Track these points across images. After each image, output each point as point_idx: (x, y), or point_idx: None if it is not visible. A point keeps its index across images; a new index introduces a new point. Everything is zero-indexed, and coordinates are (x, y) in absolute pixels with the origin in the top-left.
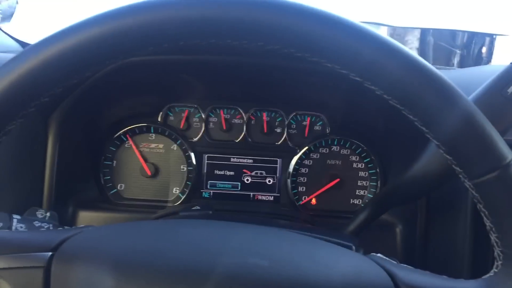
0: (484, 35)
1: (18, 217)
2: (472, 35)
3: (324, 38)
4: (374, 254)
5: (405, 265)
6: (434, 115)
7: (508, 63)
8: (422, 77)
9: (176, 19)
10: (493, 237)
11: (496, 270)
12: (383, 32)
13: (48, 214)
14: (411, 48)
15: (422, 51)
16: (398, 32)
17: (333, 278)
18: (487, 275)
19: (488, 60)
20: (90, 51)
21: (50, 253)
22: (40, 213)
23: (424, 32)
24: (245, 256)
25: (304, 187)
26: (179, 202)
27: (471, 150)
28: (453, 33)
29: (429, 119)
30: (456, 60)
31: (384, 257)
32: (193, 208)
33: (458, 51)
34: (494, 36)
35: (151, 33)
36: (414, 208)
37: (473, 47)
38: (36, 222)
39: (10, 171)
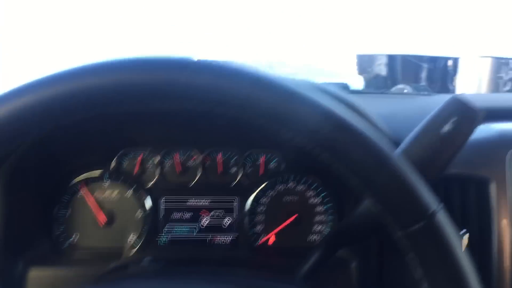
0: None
1: None
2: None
3: (246, 99)
4: None
5: None
6: (362, 170)
7: (443, 102)
8: (351, 136)
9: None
10: (423, 286)
11: None
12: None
13: None
14: (379, 64)
15: (391, 68)
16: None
17: None
18: None
19: (455, 72)
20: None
21: None
22: None
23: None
24: None
25: (262, 226)
26: (135, 249)
27: (399, 201)
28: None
29: (358, 172)
30: (424, 74)
31: None
32: (144, 259)
33: (425, 65)
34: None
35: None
36: (368, 243)
37: (439, 65)
38: None
39: None
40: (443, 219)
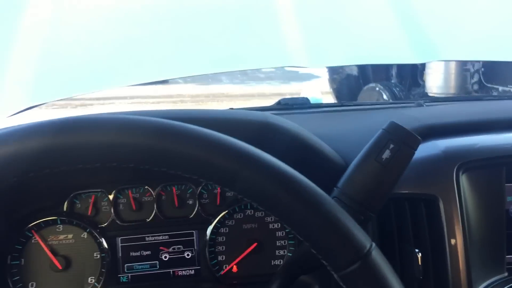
0: None
1: None
2: None
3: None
4: None
5: None
6: (292, 216)
7: (379, 130)
8: (279, 184)
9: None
10: None
11: None
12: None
13: None
14: (350, 65)
15: (361, 65)
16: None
17: None
18: None
19: (423, 67)
20: None
21: None
22: None
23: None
24: None
25: (224, 256)
26: None
27: (331, 245)
28: (388, 68)
29: (289, 219)
30: (394, 72)
31: None
32: None
33: (395, 63)
34: None
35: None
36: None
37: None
38: None
39: None
40: (378, 257)
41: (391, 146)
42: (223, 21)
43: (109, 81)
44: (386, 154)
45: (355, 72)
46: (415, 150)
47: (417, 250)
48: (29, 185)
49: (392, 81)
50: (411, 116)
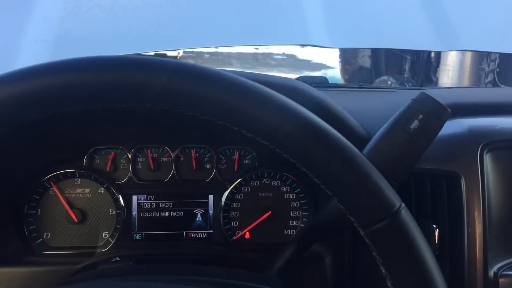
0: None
1: None
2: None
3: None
4: None
5: None
6: (324, 169)
7: (409, 101)
8: (311, 137)
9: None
10: (389, 283)
11: None
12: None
13: None
14: (363, 56)
15: (374, 59)
16: (343, 53)
17: None
18: None
19: (438, 64)
20: None
21: None
22: None
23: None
24: None
25: (237, 222)
26: (109, 247)
27: (361, 201)
28: (403, 52)
29: (320, 172)
30: (407, 66)
31: None
32: (113, 260)
33: (408, 58)
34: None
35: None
36: (341, 238)
37: (422, 56)
38: None
39: None
40: (406, 216)
41: (420, 116)
42: None
43: (128, 46)
44: (415, 124)
45: (368, 64)
46: (444, 122)
47: (434, 226)
48: (50, 135)
49: (405, 76)
50: (436, 94)
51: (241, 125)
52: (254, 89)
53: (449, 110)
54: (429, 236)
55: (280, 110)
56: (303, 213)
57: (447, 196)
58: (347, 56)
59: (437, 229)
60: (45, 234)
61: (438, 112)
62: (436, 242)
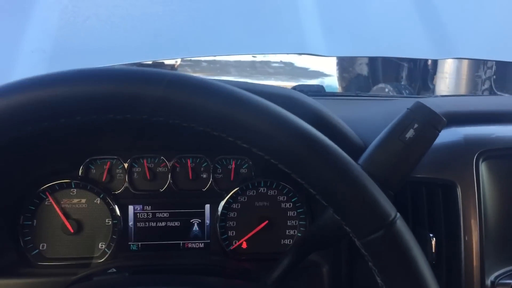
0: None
1: None
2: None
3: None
4: None
5: None
6: (319, 180)
7: (405, 110)
8: (306, 147)
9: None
10: None
11: None
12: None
13: None
14: (360, 64)
15: (372, 67)
16: (341, 61)
17: None
18: None
19: (434, 72)
20: None
21: None
22: None
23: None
24: None
25: (234, 231)
26: (105, 257)
27: (356, 211)
28: (400, 60)
29: (315, 183)
30: (404, 74)
31: None
32: (109, 271)
33: (406, 65)
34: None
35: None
36: (338, 248)
37: (419, 64)
38: None
39: None
40: (402, 227)
41: (416, 125)
42: (242, 3)
43: (126, 56)
44: (410, 133)
45: (365, 72)
46: (440, 131)
47: (431, 235)
48: (46, 145)
49: (402, 83)
50: (431, 103)
51: (236, 136)
52: (249, 100)
53: (444, 119)
54: (425, 245)
55: (275, 121)
56: (300, 222)
57: (443, 204)
58: (344, 64)
59: (434, 238)
60: (41, 245)
61: (433, 121)
62: (433, 251)
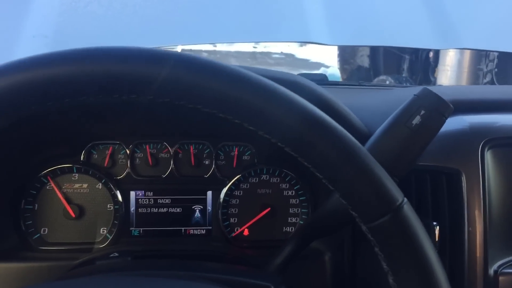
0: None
1: None
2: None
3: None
4: None
5: None
6: (327, 163)
7: (412, 96)
8: (315, 131)
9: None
10: (390, 279)
11: None
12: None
13: None
14: (361, 56)
15: (373, 59)
16: (344, 50)
17: None
18: None
19: (436, 64)
20: None
21: None
22: None
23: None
24: None
25: (236, 218)
26: (107, 242)
27: (363, 195)
28: (402, 51)
29: (322, 166)
30: (405, 66)
31: None
32: (111, 255)
33: (407, 57)
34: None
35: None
36: (341, 235)
37: (421, 56)
38: None
39: None
40: (409, 212)
41: (422, 112)
42: None
43: (126, 42)
44: (417, 119)
45: (366, 63)
46: (446, 118)
47: (434, 223)
48: (49, 130)
49: (403, 75)
50: (437, 91)
51: (243, 118)
52: (257, 82)
53: (451, 106)
54: (429, 234)
55: (282, 103)
56: (302, 210)
57: (448, 193)
58: (346, 55)
59: (438, 226)
60: (42, 229)
61: (441, 108)
62: (436, 239)
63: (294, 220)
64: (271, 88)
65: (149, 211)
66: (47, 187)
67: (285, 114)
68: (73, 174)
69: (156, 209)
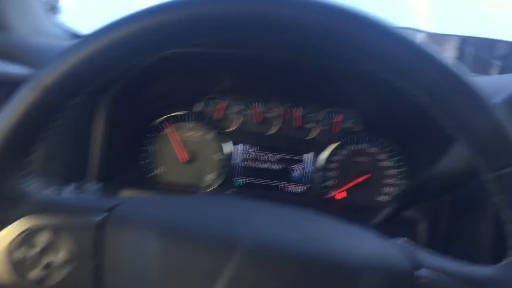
0: None
1: (71, 185)
2: None
3: (363, 39)
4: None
5: (427, 250)
6: (459, 111)
7: None
8: (454, 83)
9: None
10: (509, 227)
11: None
12: (420, 38)
13: (97, 186)
14: (449, 49)
15: (460, 60)
16: (436, 39)
17: (355, 257)
18: (503, 262)
19: None
20: (137, 42)
21: (106, 214)
22: (91, 185)
23: (463, 41)
24: (272, 230)
25: (334, 181)
26: (211, 188)
27: (493, 143)
28: (492, 43)
29: (455, 114)
30: (495, 72)
31: (407, 242)
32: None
33: (497, 62)
34: None
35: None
36: (439, 205)
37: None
38: (88, 190)
39: (61, 145)
40: None
41: None
42: None
43: None
44: None
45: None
46: None
47: None
48: (173, 78)
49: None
50: None
51: (383, 63)
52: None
53: None
54: None
55: (423, 53)
56: (399, 182)
57: None
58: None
59: None
60: (157, 169)
61: None
62: None
63: (390, 190)
64: (418, 45)
65: (252, 165)
66: (165, 132)
67: (424, 62)
68: (188, 123)
69: (260, 163)
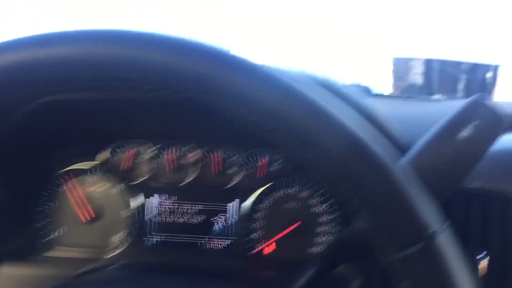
0: (487, 65)
1: None
2: (476, 64)
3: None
4: None
5: None
6: (355, 180)
7: (462, 104)
8: (346, 143)
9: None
10: None
11: None
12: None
13: None
14: (415, 74)
15: (427, 76)
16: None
17: None
18: None
19: (492, 87)
20: None
21: None
22: None
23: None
24: None
25: (260, 232)
26: (120, 250)
27: (393, 218)
28: (458, 62)
29: (350, 182)
30: (461, 87)
31: None
32: (118, 265)
33: (464, 75)
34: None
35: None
36: (373, 261)
37: (478, 74)
38: None
39: None
40: (446, 241)
41: (475, 123)
42: None
43: None
44: (467, 131)
45: (420, 80)
46: (502, 133)
47: (483, 254)
48: (73, 124)
49: (459, 95)
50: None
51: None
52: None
53: (509, 118)
54: (472, 268)
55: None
56: (333, 229)
57: (500, 219)
58: (399, 71)
59: (488, 256)
60: (55, 232)
61: (496, 120)
62: (485, 271)
63: (323, 239)
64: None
65: (167, 220)
66: (63, 188)
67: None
68: (91, 176)
69: (175, 218)
